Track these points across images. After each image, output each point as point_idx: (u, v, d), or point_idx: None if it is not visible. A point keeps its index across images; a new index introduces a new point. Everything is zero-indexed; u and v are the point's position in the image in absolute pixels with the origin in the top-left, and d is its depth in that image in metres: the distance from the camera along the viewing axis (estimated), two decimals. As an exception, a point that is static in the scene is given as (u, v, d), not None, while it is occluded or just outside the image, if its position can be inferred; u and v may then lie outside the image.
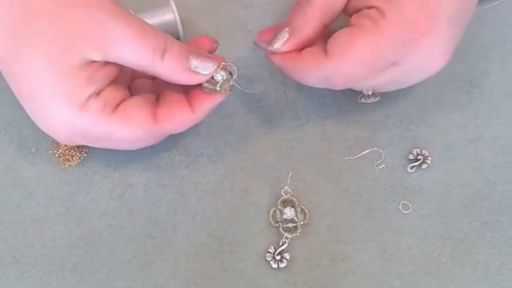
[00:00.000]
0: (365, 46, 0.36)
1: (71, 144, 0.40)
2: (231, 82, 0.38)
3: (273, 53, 0.39)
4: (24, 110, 0.44)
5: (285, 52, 0.39)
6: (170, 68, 0.37)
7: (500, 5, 0.46)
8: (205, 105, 0.38)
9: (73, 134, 0.37)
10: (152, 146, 0.44)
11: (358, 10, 0.38)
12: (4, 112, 0.45)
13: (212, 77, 0.37)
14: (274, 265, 0.42)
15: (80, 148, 0.44)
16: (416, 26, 0.36)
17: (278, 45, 0.39)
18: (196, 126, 0.44)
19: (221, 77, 0.37)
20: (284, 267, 0.42)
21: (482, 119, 0.45)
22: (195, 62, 0.37)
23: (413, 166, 0.44)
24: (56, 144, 0.44)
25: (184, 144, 0.44)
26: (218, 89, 0.38)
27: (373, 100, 0.42)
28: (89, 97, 0.36)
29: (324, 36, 0.39)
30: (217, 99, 0.38)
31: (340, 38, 0.37)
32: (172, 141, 0.44)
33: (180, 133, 0.44)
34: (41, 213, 0.43)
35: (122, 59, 0.36)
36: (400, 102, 0.45)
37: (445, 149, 0.44)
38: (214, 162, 0.44)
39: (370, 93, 0.41)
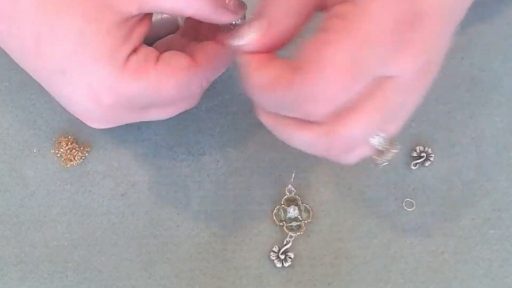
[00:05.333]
0: (341, 52, 0.28)
1: (99, 126, 0.39)
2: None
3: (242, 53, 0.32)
4: (25, 110, 0.44)
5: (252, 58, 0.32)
6: (206, 4, 0.36)
7: (502, 2, 0.46)
8: (232, 37, 0.37)
9: (119, 102, 0.36)
10: (154, 145, 0.44)
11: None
12: (5, 112, 0.44)
13: None
14: (279, 264, 0.42)
15: (81, 147, 0.44)
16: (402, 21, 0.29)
17: (244, 40, 0.31)
18: (199, 124, 0.45)
19: None
20: (288, 265, 0.42)
21: (484, 116, 0.45)
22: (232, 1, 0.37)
23: (416, 164, 0.44)
24: (58, 143, 0.44)
25: (187, 143, 0.44)
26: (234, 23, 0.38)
27: (393, 151, 0.33)
28: (129, 55, 0.35)
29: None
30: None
31: (306, 48, 0.29)
32: (174, 140, 0.44)
33: (182, 131, 0.44)
34: (44, 213, 0.43)
35: (158, 6, 0.35)
36: (402, 100, 0.45)
37: (448, 146, 0.44)
38: (217, 161, 0.44)
39: (381, 140, 0.32)
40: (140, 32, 0.36)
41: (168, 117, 0.39)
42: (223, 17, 0.37)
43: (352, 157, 0.33)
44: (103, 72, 0.35)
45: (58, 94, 0.37)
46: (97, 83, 0.35)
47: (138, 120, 0.39)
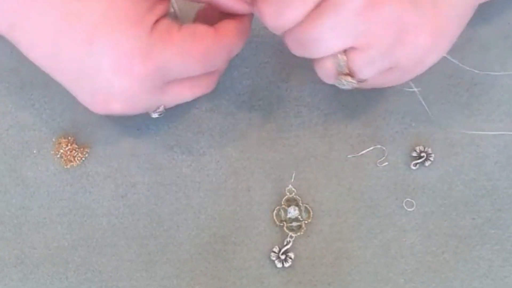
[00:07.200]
0: None
1: (121, 109, 0.38)
2: None
3: None
4: (25, 111, 0.44)
5: None
6: None
7: (501, 1, 0.46)
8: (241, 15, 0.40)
9: (149, 71, 0.36)
10: (154, 145, 0.44)
11: None
12: (5, 112, 0.44)
13: None
14: (279, 265, 0.42)
15: (81, 148, 0.44)
16: None
17: None
18: (199, 125, 0.45)
19: None
20: (288, 266, 0.42)
21: (484, 116, 0.45)
22: None
23: (416, 163, 0.44)
24: (58, 144, 0.44)
25: (187, 144, 0.44)
26: None
27: (347, 79, 0.38)
28: (155, 21, 0.37)
29: None
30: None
31: None
32: (174, 140, 0.44)
33: (182, 131, 0.44)
34: (44, 214, 0.43)
35: None
36: (402, 99, 0.45)
37: (448, 146, 0.44)
38: (217, 161, 0.44)
39: (341, 60, 0.37)
40: (161, 8, 0.37)
41: (188, 99, 0.40)
42: (238, 6, 0.38)
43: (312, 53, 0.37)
44: (132, 37, 0.35)
45: (83, 69, 0.37)
46: (128, 49, 0.35)
47: (159, 103, 0.39)
